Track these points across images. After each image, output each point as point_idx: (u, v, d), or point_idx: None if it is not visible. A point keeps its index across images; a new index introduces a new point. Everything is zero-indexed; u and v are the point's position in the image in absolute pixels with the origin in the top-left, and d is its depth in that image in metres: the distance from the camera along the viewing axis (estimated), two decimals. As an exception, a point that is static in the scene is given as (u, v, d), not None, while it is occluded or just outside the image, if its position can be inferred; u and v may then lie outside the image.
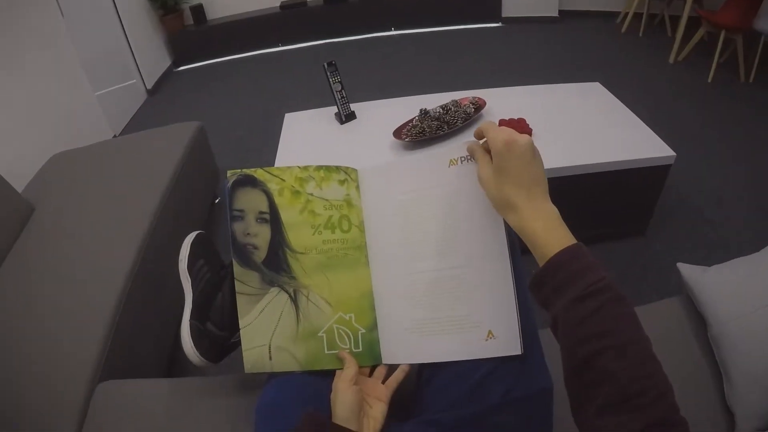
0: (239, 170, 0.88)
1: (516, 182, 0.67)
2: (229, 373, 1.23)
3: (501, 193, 0.68)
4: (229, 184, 0.87)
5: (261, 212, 0.88)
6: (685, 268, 1.20)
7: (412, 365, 0.87)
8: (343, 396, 0.75)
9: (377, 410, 0.78)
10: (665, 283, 1.98)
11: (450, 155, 0.82)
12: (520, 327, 0.78)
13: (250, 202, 0.88)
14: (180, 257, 1.06)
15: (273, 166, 1.92)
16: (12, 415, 1.19)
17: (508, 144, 0.67)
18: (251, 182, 0.88)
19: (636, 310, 1.23)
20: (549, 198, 0.68)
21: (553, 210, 0.67)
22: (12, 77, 2.53)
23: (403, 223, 0.86)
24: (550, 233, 0.65)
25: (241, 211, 0.88)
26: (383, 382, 0.85)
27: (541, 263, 0.65)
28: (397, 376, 0.86)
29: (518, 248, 0.88)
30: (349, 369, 0.80)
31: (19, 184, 1.96)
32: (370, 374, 0.87)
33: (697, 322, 1.16)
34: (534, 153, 0.68)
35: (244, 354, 0.86)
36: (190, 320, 0.97)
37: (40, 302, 1.47)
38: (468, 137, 1.95)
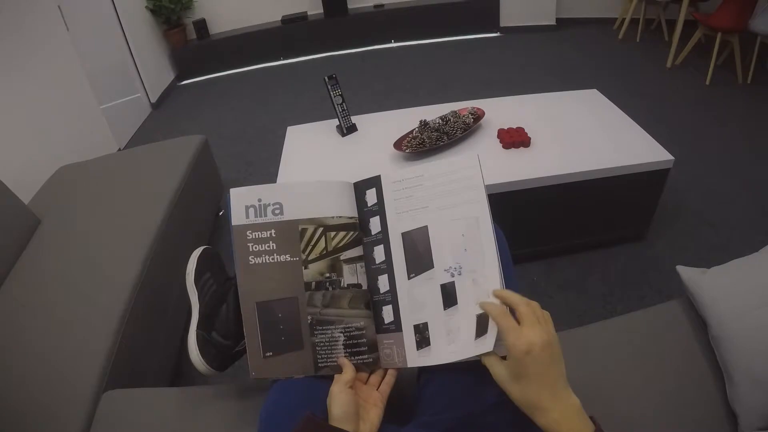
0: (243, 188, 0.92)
1: (539, 384, 0.67)
2: (232, 381, 1.25)
3: (525, 396, 0.68)
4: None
5: None
6: (685, 271, 1.20)
7: (402, 370, 0.89)
8: (337, 397, 0.77)
9: (373, 415, 0.80)
10: (666, 286, 1.99)
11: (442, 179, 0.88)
12: None
13: None
14: (187, 271, 1.10)
15: (276, 178, 1.97)
16: (18, 425, 1.20)
17: (527, 353, 0.66)
18: None
19: (637, 313, 1.26)
20: (570, 388, 0.69)
21: (576, 403, 0.68)
22: (18, 90, 2.57)
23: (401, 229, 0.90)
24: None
25: None
26: (378, 389, 0.87)
27: None
28: (389, 380, 0.87)
29: (508, 251, 0.90)
30: (347, 374, 0.82)
31: (25, 196, 1.99)
32: (366, 382, 0.88)
33: (698, 323, 1.16)
34: (552, 351, 0.68)
35: (249, 361, 0.88)
36: (196, 330, 1.00)
37: (45, 313, 1.49)
38: (467, 148, 2.00)
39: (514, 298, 0.74)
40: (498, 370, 0.70)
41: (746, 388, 0.97)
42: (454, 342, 0.82)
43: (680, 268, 1.22)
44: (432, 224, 0.87)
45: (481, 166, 0.87)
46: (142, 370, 1.53)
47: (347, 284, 0.90)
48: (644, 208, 2.09)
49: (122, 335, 1.42)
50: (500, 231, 0.93)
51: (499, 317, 0.72)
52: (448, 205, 0.87)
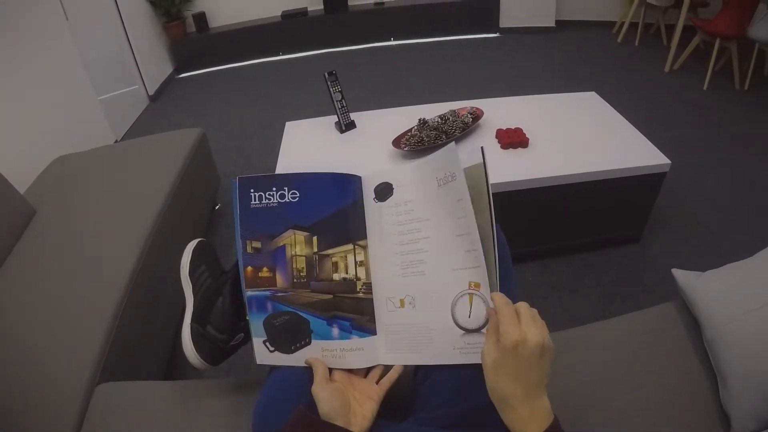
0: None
1: (514, 379, 0.66)
2: (227, 376, 1.25)
3: (497, 385, 0.67)
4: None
5: None
6: (680, 274, 1.21)
7: (407, 365, 0.88)
8: (318, 394, 0.77)
9: (367, 408, 0.79)
10: (661, 288, 2.00)
11: (435, 174, 0.84)
12: None
13: None
14: (182, 263, 1.08)
15: (273, 173, 1.96)
16: (11, 417, 1.19)
17: (516, 345, 0.65)
18: None
19: (631, 315, 1.26)
20: (545, 391, 0.67)
21: (546, 408, 0.67)
22: (15, 80, 2.54)
23: (400, 230, 0.87)
24: None
25: None
26: (378, 382, 0.86)
27: None
28: (391, 375, 0.86)
29: (509, 255, 0.89)
30: (318, 371, 0.82)
31: (21, 186, 1.96)
32: (366, 375, 0.88)
33: (692, 326, 1.17)
34: (542, 354, 0.66)
35: (254, 345, 0.88)
36: (191, 324, 1.00)
37: (39, 304, 1.47)
38: (467, 146, 1.99)
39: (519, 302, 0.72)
40: (488, 348, 0.68)
41: (739, 390, 0.98)
42: (451, 343, 0.82)
43: (675, 271, 1.23)
44: (428, 229, 0.84)
45: (486, 162, 0.83)
46: (136, 363, 1.52)
47: (341, 278, 0.90)
48: (640, 210, 2.10)
49: (116, 328, 1.40)
50: (502, 235, 0.91)
51: (502, 306, 0.70)
52: (442, 214, 0.83)
